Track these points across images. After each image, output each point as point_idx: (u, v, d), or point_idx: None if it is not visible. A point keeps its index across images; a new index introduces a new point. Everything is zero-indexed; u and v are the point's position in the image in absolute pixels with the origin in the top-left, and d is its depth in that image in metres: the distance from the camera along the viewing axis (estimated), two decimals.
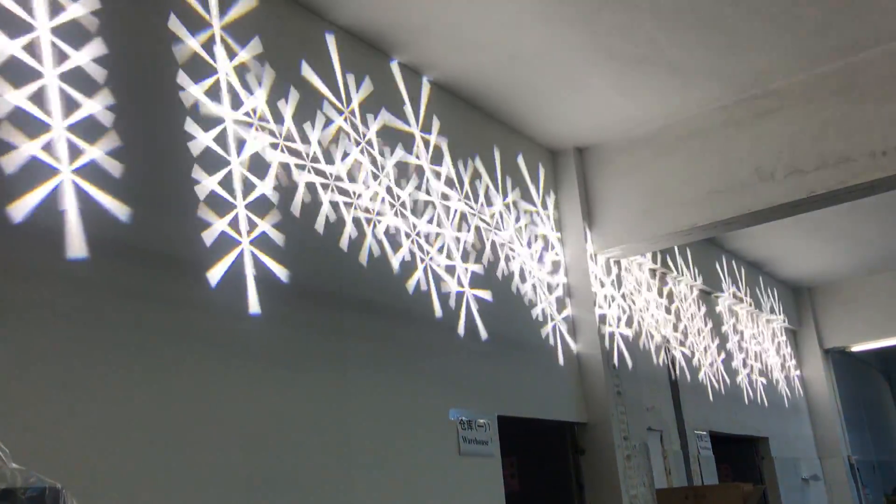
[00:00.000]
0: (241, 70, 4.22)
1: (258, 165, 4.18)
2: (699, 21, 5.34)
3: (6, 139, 3.09)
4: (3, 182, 3.05)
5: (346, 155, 4.78)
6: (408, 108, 5.42)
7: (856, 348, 12.27)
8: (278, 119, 4.39)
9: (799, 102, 6.12)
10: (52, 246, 3.16)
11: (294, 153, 4.43)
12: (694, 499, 6.66)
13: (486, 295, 5.69)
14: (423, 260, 5.16)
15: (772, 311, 11.12)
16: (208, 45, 4.07)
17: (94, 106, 3.44)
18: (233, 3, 4.28)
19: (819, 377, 11.86)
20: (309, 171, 4.49)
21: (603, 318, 6.71)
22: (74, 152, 3.31)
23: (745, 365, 10.04)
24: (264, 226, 4.11)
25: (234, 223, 3.94)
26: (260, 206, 4.12)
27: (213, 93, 4.03)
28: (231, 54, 4.18)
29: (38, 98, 3.23)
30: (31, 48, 3.26)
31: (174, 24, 3.91)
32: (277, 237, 4.17)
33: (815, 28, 5.56)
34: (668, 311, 8.31)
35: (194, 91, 3.92)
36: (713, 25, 5.41)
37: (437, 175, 5.54)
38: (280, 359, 4.01)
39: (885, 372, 16.42)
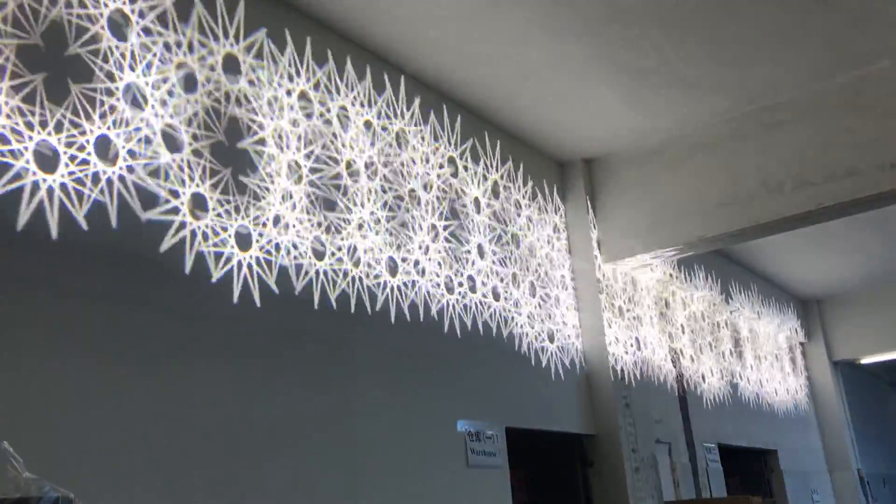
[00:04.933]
0: (270, 82, 4.26)
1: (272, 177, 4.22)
2: (707, 34, 5.36)
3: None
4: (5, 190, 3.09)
5: (350, 165, 4.81)
6: (414, 120, 5.45)
7: (865, 361, 12.20)
8: (287, 124, 4.42)
9: (807, 115, 6.12)
10: (65, 256, 3.19)
11: (299, 166, 4.46)
12: None
13: (494, 306, 5.69)
14: (431, 272, 5.17)
15: (780, 323, 11.08)
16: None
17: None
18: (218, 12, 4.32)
19: (828, 390, 11.79)
20: (317, 181, 4.52)
21: (611, 330, 6.70)
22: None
23: (753, 377, 10.00)
24: (272, 233, 4.14)
25: (242, 229, 3.97)
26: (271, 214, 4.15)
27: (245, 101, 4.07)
28: (271, 76, 4.23)
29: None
30: None
31: None
32: (287, 245, 4.19)
33: (822, 41, 5.57)
34: (676, 322, 8.29)
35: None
36: (721, 38, 5.43)
37: (443, 187, 5.56)
38: (289, 369, 4.02)
39: (895, 385, 16.31)
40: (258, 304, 3.95)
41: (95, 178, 3.36)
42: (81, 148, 3.33)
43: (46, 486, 1.97)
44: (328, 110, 4.73)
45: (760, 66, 5.81)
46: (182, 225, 3.67)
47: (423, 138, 5.45)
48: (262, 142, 4.22)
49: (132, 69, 3.62)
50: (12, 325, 2.95)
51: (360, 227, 4.71)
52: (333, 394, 4.24)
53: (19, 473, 2.00)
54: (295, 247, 4.24)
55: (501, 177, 6.24)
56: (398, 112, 5.30)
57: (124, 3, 3.65)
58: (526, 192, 6.51)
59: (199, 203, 3.78)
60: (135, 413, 3.26)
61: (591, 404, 6.50)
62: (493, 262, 5.84)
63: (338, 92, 4.84)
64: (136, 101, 3.61)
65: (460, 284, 5.41)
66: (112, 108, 3.49)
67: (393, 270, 4.87)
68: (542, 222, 6.63)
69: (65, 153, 3.26)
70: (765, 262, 10.21)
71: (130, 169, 3.51)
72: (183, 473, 3.37)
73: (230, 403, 3.67)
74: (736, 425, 9.04)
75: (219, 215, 3.86)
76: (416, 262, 5.07)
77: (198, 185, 3.80)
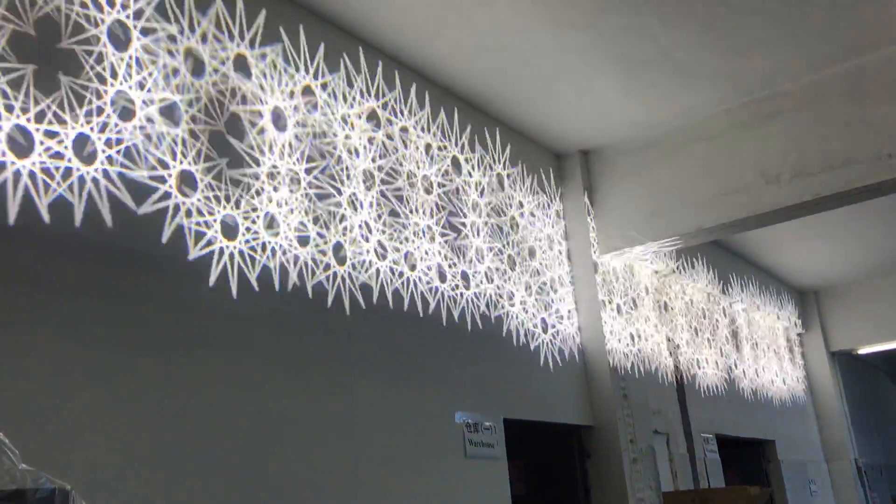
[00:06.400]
0: (268, 72, 4.25)
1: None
2: (705, 24, 5.34)
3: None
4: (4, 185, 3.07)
5: (342, 157, 4.80)
6: (411, 111, 5.43)
7: (863, 351, 12.23)
8: (287, 122, 4.41)
9: (804, 105, 6.12)
10: (61, 250, 3.17)
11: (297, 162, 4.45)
12: (700, 502, 6.64)
13: (491, 297, 5.69)
14: (428, 264, 5.17)
15: (778, 314, 11.09)
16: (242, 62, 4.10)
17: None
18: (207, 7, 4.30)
19: (826, 380, 11.82)
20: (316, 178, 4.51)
21: (608, 321, 6.70)
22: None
23: (751, 368, 10.02)
24: (270, 227, 4.13)
25: (237, 224, 3.96)
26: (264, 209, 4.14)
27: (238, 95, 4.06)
28: (278, 80, 4.21)
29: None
30: None
31: None
32: (283, 239, 4.18)
33: (820, 30, 5.56)
34: (674, 313, 8.30)
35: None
36: (719, 28, 5.41)
37: (440, 178, 5.55)
38: (286, 362, 4.02)
39: (893, 375, 16.36)
40: (257, 299, 3.94)
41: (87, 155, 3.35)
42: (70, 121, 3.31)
43: (42, 478, 1.97)
44: (323, 101, 4.71)
45: (758, 55, 5.79)
46: (179, 227, 3.67)
47: (416, 127, 5.44)
48: (261, 131, 4.21)
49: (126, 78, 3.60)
50: (6, 318, 2.94)
51: (358, 218, 4.70)
52: (332, 386, 4.24)
53: (15, 465, 1.99)
54: (282, 244, 4.23)
55: (493, 167, 6.22)
56: (392, 101, 5.28)
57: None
58: (521, 182, 6.49)
59: (188, 180, 3.77)
60: (131, 405, 3.26)
61: (589, 395, 6.51)
62: (490, 254, 5.83)
63: (322, 76, 4.82)
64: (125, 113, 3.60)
65: (460, 276, 5.40)
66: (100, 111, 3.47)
67: (391, 263, 4.86)
68: (540, 214, 6.62)
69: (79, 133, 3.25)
70: (763, 252, 10.21)
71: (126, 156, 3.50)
72: (180, 466, 3.37)
73: (227, 396, 3.66)
74: (734, 416, 9.07)
75: (208, 198, 3.85)
76: (414, 255, 5.06)
77: (200, 187, 3.79)
